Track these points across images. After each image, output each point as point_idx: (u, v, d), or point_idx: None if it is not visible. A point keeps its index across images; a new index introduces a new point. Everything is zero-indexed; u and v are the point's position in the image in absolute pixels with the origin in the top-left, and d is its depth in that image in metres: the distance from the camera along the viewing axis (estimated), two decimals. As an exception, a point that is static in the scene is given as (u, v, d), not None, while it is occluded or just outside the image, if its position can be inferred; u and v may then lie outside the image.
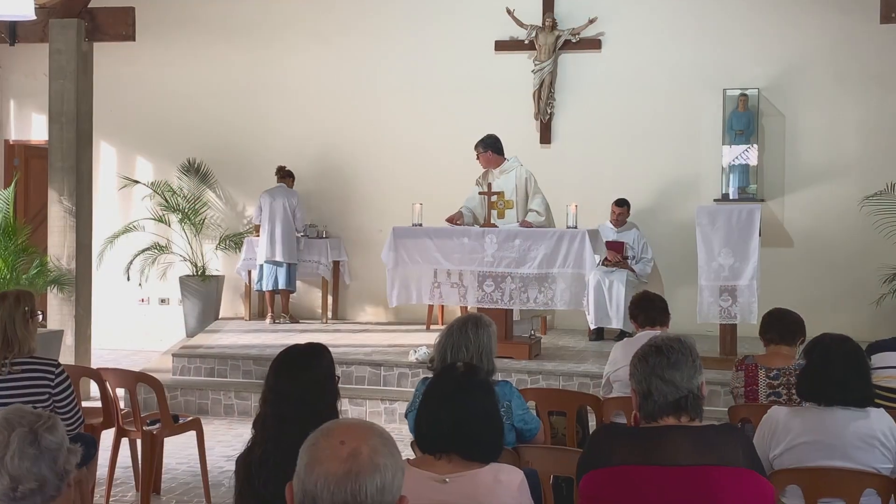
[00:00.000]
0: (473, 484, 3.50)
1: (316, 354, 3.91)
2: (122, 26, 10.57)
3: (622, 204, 11.89)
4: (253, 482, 3.62)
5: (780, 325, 5.94)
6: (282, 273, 12.56)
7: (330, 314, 13.12)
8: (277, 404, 3.73)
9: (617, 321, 11.46)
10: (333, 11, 13.21)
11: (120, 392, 7.18)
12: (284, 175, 12.77)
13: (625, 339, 7.26)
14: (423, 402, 3.72)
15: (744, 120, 11.86)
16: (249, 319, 13.10)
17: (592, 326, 11.62)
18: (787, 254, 11.96)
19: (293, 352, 3.92)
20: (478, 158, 10.98)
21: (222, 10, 13.48)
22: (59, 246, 10.52)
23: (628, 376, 6.05)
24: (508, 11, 12.53)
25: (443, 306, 12.45)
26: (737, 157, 11.93)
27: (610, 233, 11.96)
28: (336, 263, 13.20)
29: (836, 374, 4.46)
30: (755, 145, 11.89)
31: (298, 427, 3.56)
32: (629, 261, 11.85)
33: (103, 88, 12.98)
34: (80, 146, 10.59)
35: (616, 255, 11.61)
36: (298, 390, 3.74)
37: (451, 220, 10.68)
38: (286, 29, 13.31)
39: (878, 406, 5.43)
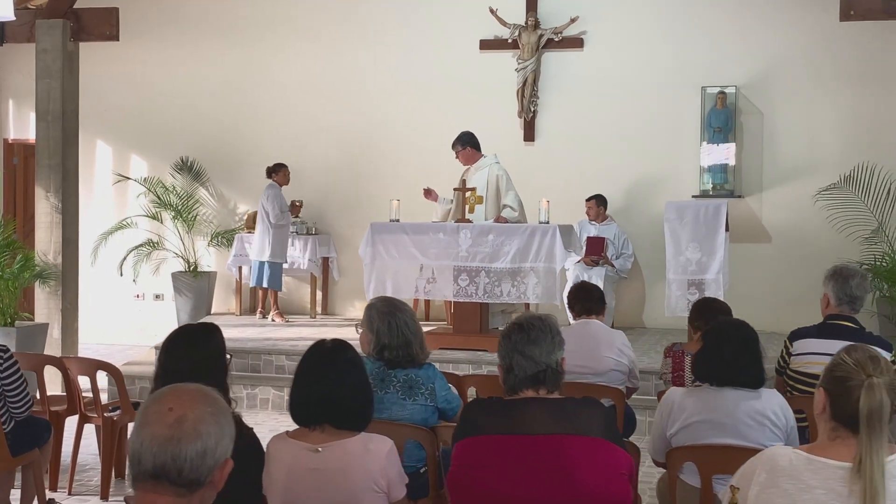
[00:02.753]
0: (344, 452, 3.74)
1: (206, 333, 4.13)
2: (106, 26, 10.84)
3: (591, 198, 12.09)
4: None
5: (707, 314, 6.10)
6: (255, 269, 12.71)
7: (319, 309, 13.35)
8: (164, 379, 3.94)
9: (596, 316, 11.60)
10: (322, 10, 13.42)
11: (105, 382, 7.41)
12: (267, 174, 12.74)
13: (563, 327, 7.43)
14: (295, 377, 3.94)
15: (722, 117, 12.01)
16: (240, 314, 13.35)
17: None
18: (765, 249, 12.12)
19: (184, 330, 4.14)
20: (457, 157, 11.18)
21: (214, 9, 13.73)
22: (45, 241, 10.79)
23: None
24: (491, 11, 12.73)
25: (428, 301, 12.68)
26: (715, 158, 12.08)
27: (591, 228, 12.15)
28: (325, 260, 13.43)
29: (729, 356, 4.64)
30: (733, 143, 12.02)
31: (184, 401, 3.79)
32: (610, 256, 12.02)
33: (99, 88, 13.38)
34: (67, 144, 10.86)
35: (592, 258, 11.77)
36: (187, 367, 3.95)
37: (428, 193, 11.00)
38: (276, 28, 13.55)
39: (804, 392, 5.63)
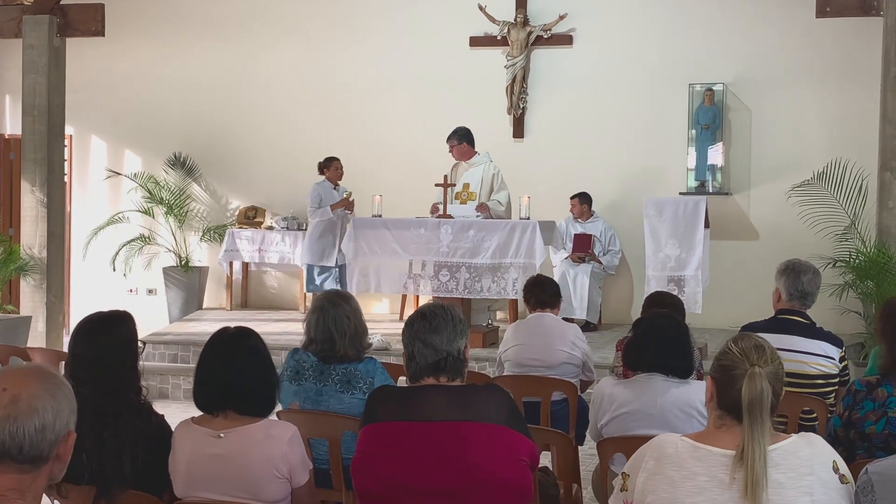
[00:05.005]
0: (245, 437, 3.79)
1: (115, 321, 4.15)
2: (92, 22, 10.91)
3: (575, 196, 12.08)
4: (53, 439, 3.87)
5: (659, 307, 6.10)
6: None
7: (309, 304, 13.35)
8: (74, 366, 4.00)
9: (581, 312, 11.63)
10: (312, 6, 13.45)
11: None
12: (319, 169, 12.14)
13: (517, 321, 7.46)
14: (198, 364, 3.98)
15: (710, 114, 11.98)
16: (231, 309, 13.40)
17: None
18: (752, 247, 12.08)
19: (93, 318, 4.17)
20: (451, 151, 11.21)
21: (208, 6, 13.79)
22: (31, 235, 10.87)
23: (515, 355, 6.33)
24: (480, 7, 12.73)
25: (417, 296, 12.69)
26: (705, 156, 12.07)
27: (577, 225, 12.15)
28: (316, 255, 13.45)
29: (656, 343, 4.68)
30: (720, 143, 12.00)
31: (91, 388, 3.85)
32: (597, 253, 12.02)
33: (93, 84, 13.50)
34: (52, 138, 10.95)
35: (578, 255, 11.79)
36: (94, 354, 3.99)
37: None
38: (266, 23, 13.59)
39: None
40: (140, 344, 4.18)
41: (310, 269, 12.09)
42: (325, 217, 11.91)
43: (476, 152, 11.17)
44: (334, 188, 12.06)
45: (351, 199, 11.99)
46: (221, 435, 3.77)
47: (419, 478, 3.51)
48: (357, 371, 5.12)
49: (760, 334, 5.76)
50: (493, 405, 3.59)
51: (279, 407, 4.97)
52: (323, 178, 12.05)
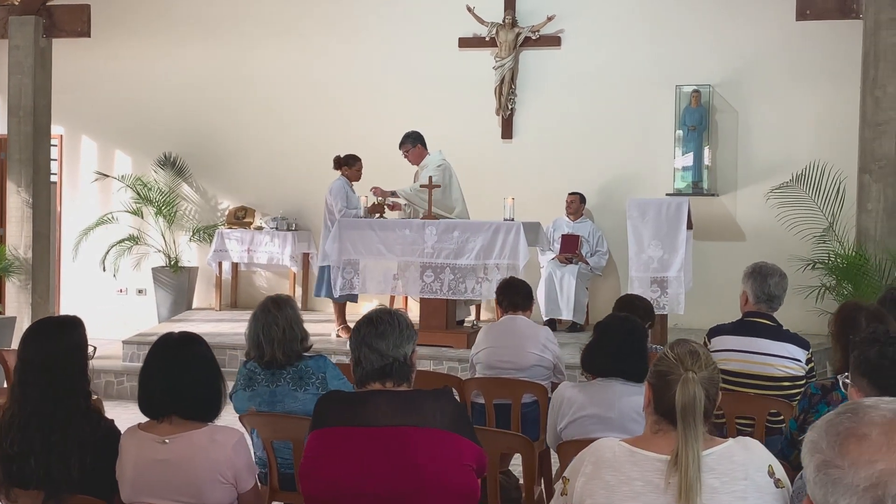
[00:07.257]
0: (190, 443, 3.80)
1: (63, 326, 4.16)
2: (77, 23, 10.96)
3: (575, 193, 12.15)
4: (2, 443, 3.90)
5: (628, 310, 6.11)
6: (317, 277, 11.55)
7: (300, 305, 13.34)
8: (23, 371, 4.01)
9: (567, 312, 11.66)
10: (302, 7, 13.47)
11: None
12: (336, 165, 11.41)
13: (490, 323, 7.46)
14: (141, 369, 4.00)
15: (696, 116, 11.98)
16: (220, 309, 13.42)
17: (543, 318, 11.80)
18: (739, 248, 12.06)
19: (41, 323, 4.19)
20: (406, 156, 11.23)
21: (197, 6, 13.81)
22: (16, 235, 10.91)
23: (486, 357, 6.35)
24: (469, 9, 12.75)
25: (406, 299, 12.72)
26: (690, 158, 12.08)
27: (565, 226, 12.17)
28: (305, 255, 13.49)
29: (612, 347, 4.69)
30: (707, 142, 12.01)
31: (39, 392, 3.87)
32: (585, 254, 12.04)
33: (83, 84, 13.50)
34: (38, 139, 10.98)
35: (566, 256, 11.82)
36: (41, 358, 4.00)
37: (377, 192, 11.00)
38: (255, 23, 13.61)
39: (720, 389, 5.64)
40: (91, 348, 4.19)
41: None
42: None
43: (428, 153, 11.20)
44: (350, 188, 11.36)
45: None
46: (167, 441, 3.79)
47: (365, 482, 3.52)
48: (308, 367, 5.23)
49: (728, 336, 5.86)
50: (437, 410, 3.59)
51: (235, 415, 5.01)
52: (339, 174, 11.33)
